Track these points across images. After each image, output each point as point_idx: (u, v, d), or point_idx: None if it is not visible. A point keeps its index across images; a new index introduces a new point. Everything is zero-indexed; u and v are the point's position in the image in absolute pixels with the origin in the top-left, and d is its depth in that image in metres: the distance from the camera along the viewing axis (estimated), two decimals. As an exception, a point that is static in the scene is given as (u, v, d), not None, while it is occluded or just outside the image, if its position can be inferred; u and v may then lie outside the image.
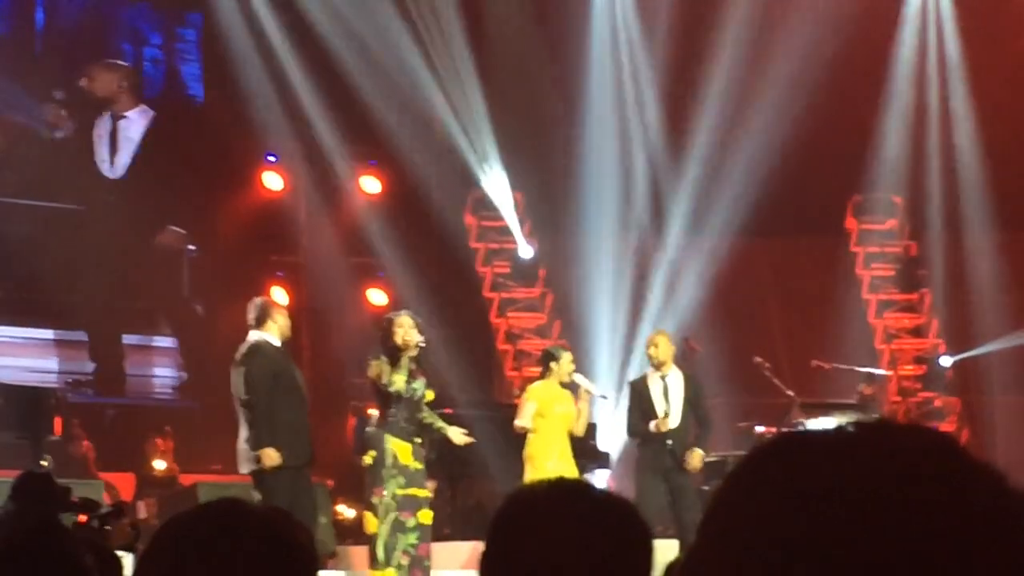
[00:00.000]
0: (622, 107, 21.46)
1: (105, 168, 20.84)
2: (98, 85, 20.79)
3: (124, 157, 20.86)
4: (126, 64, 21.28)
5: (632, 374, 16.70)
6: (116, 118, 20.90)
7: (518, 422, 12.87)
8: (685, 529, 12.67)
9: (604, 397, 13.47)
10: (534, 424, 12.76)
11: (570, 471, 12.39)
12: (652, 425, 13.00)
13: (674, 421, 13.03)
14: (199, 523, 2.34)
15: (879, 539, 1.15)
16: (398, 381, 11.80)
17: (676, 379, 13.17)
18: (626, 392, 13.80)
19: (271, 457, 11.33)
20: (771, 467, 1.23)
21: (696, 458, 13.00)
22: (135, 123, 20.96)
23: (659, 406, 13.06)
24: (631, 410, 13.28)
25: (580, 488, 2.50)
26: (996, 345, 21.26)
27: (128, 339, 20.88)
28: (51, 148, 20.37)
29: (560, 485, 2.48)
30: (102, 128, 20.86)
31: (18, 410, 14.29)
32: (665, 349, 13.19)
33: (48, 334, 20.26)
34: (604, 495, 2.48)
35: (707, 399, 13.53)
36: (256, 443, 11.34)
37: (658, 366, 13.16)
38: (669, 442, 12.98)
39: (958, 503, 1.17)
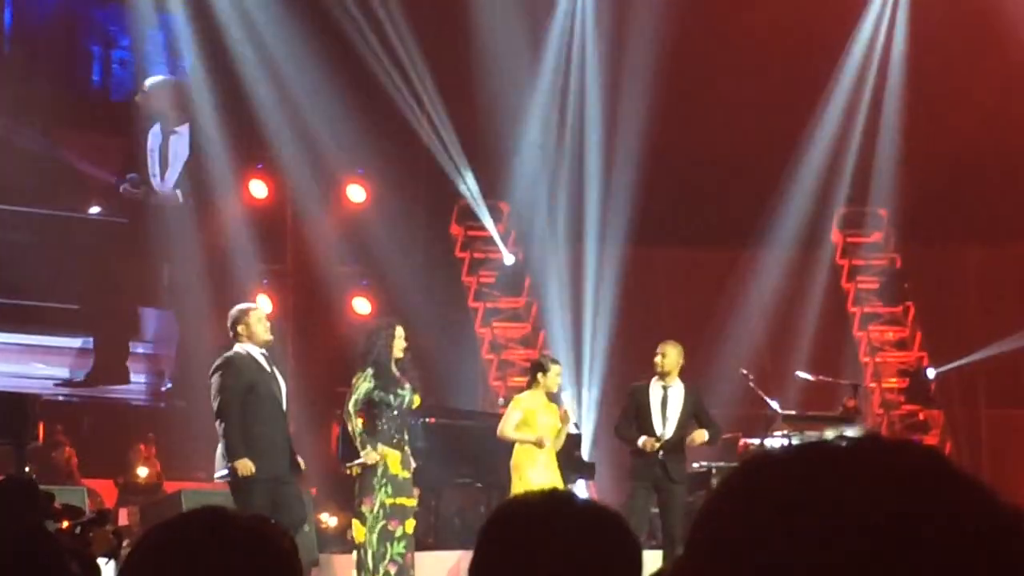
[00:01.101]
0: (607, 115, 21.46)
1: (156, 183, 20.86)
2: (154, 101, 20.78)
3: (174, 172, 20.88)
4: (177, 78, 21.26)
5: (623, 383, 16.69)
6: (167, 133, 20.87)
7: (501, 430, 12.89)
8: (672, 540, 12.69)
9: (577, 427, 13.44)
10: (520, 434, 12.77)
11: (556, 481, 12.41)
12: (641, 442, 12.99)
13: (669, 431, 13.04)
14: (183, 531, 2.34)
15: (868, 554, 1.15)
16: (358, 425, 11.88)
17: (677, 390, 13.17)
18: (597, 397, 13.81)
19: (246, 467, 11.30)
20: (760, 481, 1.22)
21: (699, 436, 13.03)
22: (183, 138, 20.96)
23: (656, 416, 13.06)
24: (625, 414, 13.27)
25: (571, 500, 2.50)
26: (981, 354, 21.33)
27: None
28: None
29: (551, 496, 2.48)
30: (153, 142, 20.84)
31: (0, 416, 14.24)
32: (672, 359, 13.18)
33: (39, 340, 20.22)
34: (594, 507, 2.48)
35: (709, 409, 13.54)
36: (230, 454, 11.32)
37: (663, 375, 13.16)
38: (660, 453, 13.00)
39: (949, 518, 1.16)
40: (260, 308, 12.36)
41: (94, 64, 21.33)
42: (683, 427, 13.09)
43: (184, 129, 20.97)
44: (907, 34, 21.62)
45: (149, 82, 20.93)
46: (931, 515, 1.16)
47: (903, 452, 1.21)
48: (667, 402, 13.09)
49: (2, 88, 20.18)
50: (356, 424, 11.92)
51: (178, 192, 20.91)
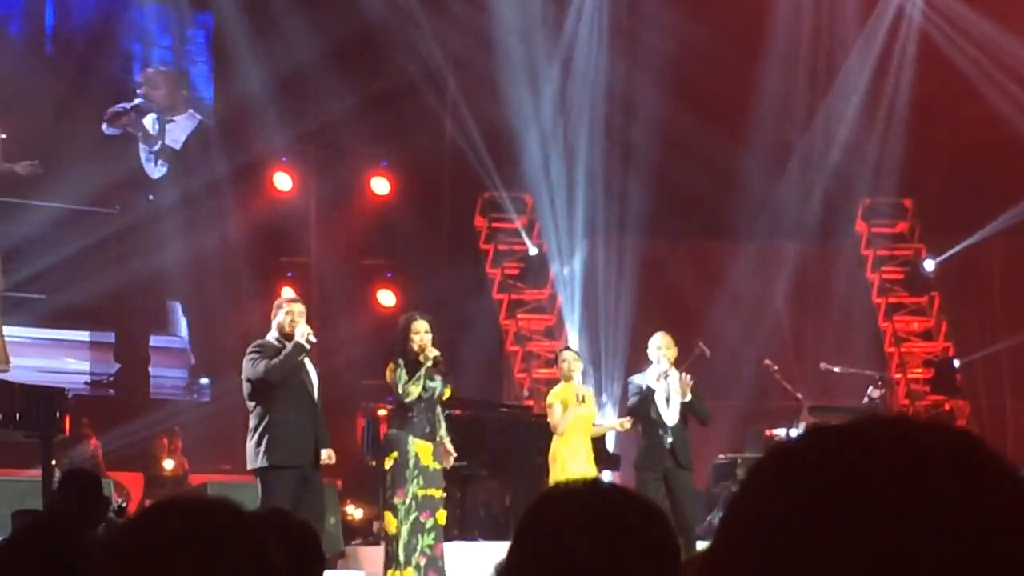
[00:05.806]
0: (628, 106, 21.43)
1: (150, 169, 20.86)
2: (159, 94, 20.84)
3: (165, 163, 20.91)
4: (174, 69, 21.31)
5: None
6: (164, 121, 20.90)
7: (553, 425, 12.96)
8: (683, 527, 12.69)
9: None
10: (566, 417, 12.80)
11: (593, 472, 12.45)
12: (654, 374, 12.96)
13: (673, 418, 13.04)
14: (191, 523, 2.30)
15: (901, 537, 1.15)
16: (414, 392, 11.83)
17: (675, 379, 13.20)
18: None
19: (303, 334, 11.42)
20: (787, 467, 1.22)
21: (685, 382, 13.00)
22: (180, 127, 20.96)
23: (661, 404, 13.08)
24: (634, 395, 13.25)
25: (612, 490, 2.48)
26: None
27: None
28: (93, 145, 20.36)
29: (592, 487, 2.47)
30: (148, 129, 20.84)
31: (27, 409, 14.28)
32: (673, 351, 13.25)
33: (68, 335, 20.27)
34: (636, 499, 2.47)
35: (706, 402, 13.49)
36: (279, 369, 11.35)
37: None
38: (668, 440, 13.01)
39: (981, 500, 1.16)
40: (300, 303, 12.38)
41: (134, 63, 21.39)
42: (685, 414, 13.13)
43: (183, 119, 20.95)
44: (925, 22, 21.57)
45: (151, 76, 20.97)
46: (965, 497, 1.16)
47: (935, 433, 1.20)
48: (669, 391, 13.14)
49: (44, 87, 20.23)
50: (400, 376, 11.82)
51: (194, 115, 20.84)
